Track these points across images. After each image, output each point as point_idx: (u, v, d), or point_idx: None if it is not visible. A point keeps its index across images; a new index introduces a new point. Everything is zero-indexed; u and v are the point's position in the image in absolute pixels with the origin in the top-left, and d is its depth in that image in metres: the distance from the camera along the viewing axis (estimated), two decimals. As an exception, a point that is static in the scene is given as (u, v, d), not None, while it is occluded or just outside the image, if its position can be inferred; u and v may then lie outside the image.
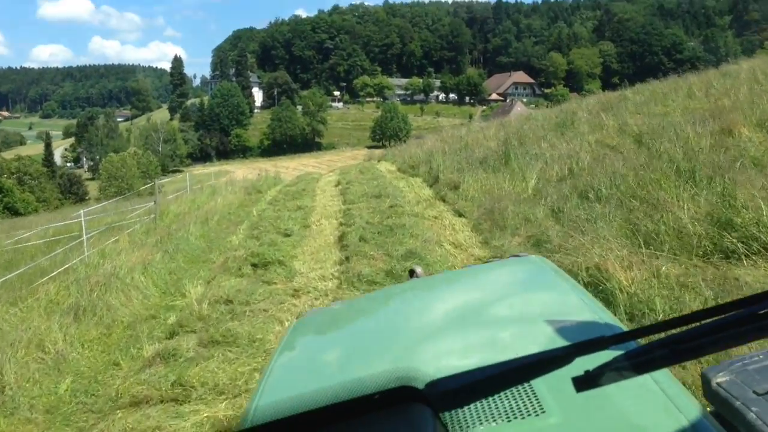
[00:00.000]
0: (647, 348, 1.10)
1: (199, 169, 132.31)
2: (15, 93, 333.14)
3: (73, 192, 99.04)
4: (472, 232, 10.36)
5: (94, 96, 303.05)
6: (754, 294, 1.05)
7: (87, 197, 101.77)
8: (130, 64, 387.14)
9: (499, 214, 9.91)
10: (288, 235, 12.56)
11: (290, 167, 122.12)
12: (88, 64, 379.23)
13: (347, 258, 9.93)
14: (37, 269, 12.71)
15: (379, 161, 30.59)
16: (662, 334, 1.10)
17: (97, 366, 7.72)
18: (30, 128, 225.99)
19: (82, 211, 15.20)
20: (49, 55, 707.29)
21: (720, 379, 1.60)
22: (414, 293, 2.80)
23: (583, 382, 1.11)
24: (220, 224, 15.90)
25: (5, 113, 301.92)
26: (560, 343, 1.51)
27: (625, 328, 1.78)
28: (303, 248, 11.69)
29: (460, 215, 11.71)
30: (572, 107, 21.94)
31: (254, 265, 10.39)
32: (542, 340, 1.79)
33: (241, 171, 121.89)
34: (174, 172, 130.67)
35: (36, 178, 66.01)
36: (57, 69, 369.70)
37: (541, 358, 1.14)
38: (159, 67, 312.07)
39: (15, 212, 56.24)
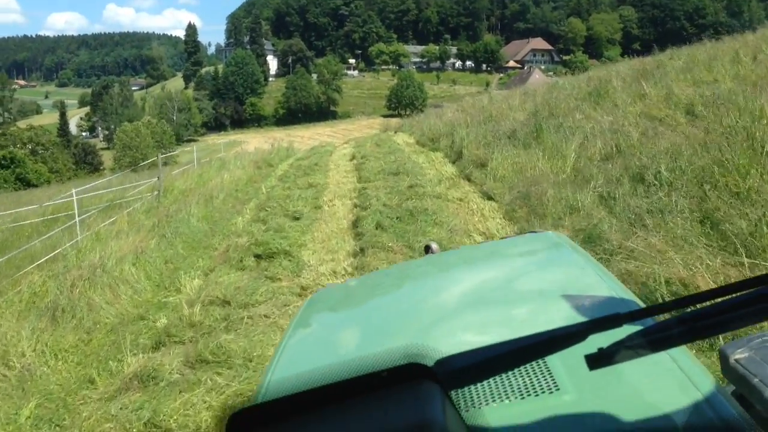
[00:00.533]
0: (663, 325, 1.09)
1: (213, 139, 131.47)
2: (31, 62, 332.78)
3: (87, 162, 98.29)
4: (505, 219, 9.07)
5: (110, 64, 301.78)
6: None
7: (102, 167, 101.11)
8: (145, 31, 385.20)
9: (536, 200, 8.58)
10: (297, 219, 11.34)
11: (305, 137, 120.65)
12: (103, 32, 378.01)
13: (362, 250, 8.68)
14: (27, 254, 11.61)
15: (395, 132, 29.17)
16: (679, 312, 1.09)
17: (70, 384, 6.56)
18: (46, 97, 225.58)
19: (73, 190, 13.95)
20: (64, 22, 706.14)
21: (738, 355, 1.52)
22: (429, 269, 2.74)
23: (596, 360, 1.10)
24: (225, 203, 14.68)
25: (22, 82, 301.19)
26: (577, 319, 1.52)
27: (641, 304, 1.79)
28: (313, 234, 10.47)
29: (490, 198, 10.41)
30: (603, 74, 20.32)
31: (258, 256, 9.17)
32: (559, 316, 1.76)
33: (255, 140, 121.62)
34: (189, 141, 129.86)
35: (49, 148, 65.03)
36: (72, 37, 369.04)
37: (554, 335, 1.13)
38: (174, 34, 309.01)
39: (28, 183, 55.41)
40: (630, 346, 1.08)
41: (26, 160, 56.23)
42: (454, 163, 13.90)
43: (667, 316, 1.14)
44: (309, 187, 14.58)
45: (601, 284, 1.99)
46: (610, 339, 1.11)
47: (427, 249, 3.64)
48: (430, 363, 1.14)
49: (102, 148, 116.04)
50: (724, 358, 1.54)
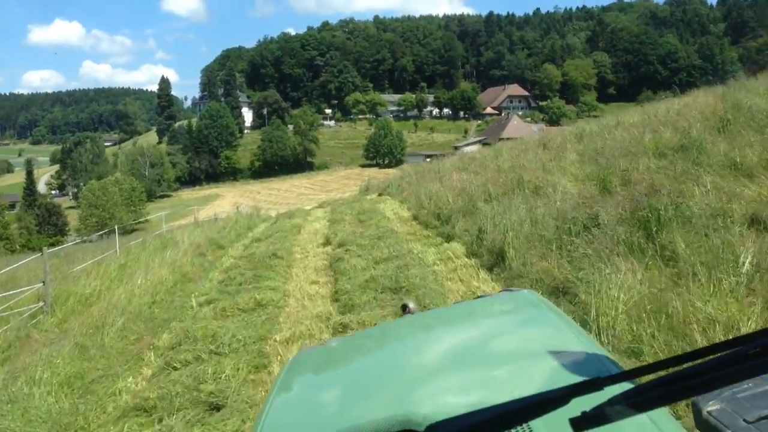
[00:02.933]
0: (643, 388, 1.11)
1: (188, 194, 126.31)
2: (4, 120, 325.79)
3: (51, 223, 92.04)
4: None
5: (84, 120, 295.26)
6: (746, 333, 1.03)
7: (67, 228, 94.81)
8: (121, 87, 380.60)
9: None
10: (217, 408, 5.80)
11: (281, 189, 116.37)
12: (78, 89, 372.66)
13: None
14: None
15: (380, 195, 23.83)
16: (656, 375, 1.11)
17: None
18: (19, 155, 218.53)
19: None
20: (40, 80, 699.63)
21: (710, 408, 1.61)
22: (409, 330, 2.69)
23: (580, 423, 1.11)
24: (119, 340, 9.04)
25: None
26: (557, 380, 1.54)
27: (620, 365, 1.82)
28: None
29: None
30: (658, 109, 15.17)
31: None
32: (539, 377, 1.79)
33: (230, 194, 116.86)
34: (161, 197, 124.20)
35: (-1, 212, 59.01)
36: (47, 94, 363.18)
37: (539, 399, 1.15)
38: (150, 89, 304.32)
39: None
40: (612, 408, 1.10)
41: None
42: (491, 270, 8.27)
43: (648, 377, 1.16)
44: (256, 308, 9.04)
45: (578, 343, 1.99)
46: (592, 402, 1.13)
47: (405, 308, 3.64)
48: (421, 429, 1.17)
49: (69, 207, 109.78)
50: (696, 410, 1.62)
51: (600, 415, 1.10)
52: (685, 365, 1.07)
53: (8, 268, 14.42)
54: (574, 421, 1.11)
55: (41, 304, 11.63)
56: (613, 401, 1.10)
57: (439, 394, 1.76)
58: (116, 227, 19.58)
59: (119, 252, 16.51)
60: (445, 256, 9.58)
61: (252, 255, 13.62)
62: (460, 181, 15.45)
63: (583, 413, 1.11)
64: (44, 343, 9.73)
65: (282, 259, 12.72)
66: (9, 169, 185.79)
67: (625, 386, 1.22)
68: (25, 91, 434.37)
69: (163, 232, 21.06)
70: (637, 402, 1.08)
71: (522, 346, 2.14)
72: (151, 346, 8.57)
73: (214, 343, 7.55)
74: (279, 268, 11.76)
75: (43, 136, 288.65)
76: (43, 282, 11.78)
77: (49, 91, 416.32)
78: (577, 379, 1.50)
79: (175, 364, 7.23)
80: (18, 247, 56.95)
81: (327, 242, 13.85)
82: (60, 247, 25.40)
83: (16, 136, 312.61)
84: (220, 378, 6.44)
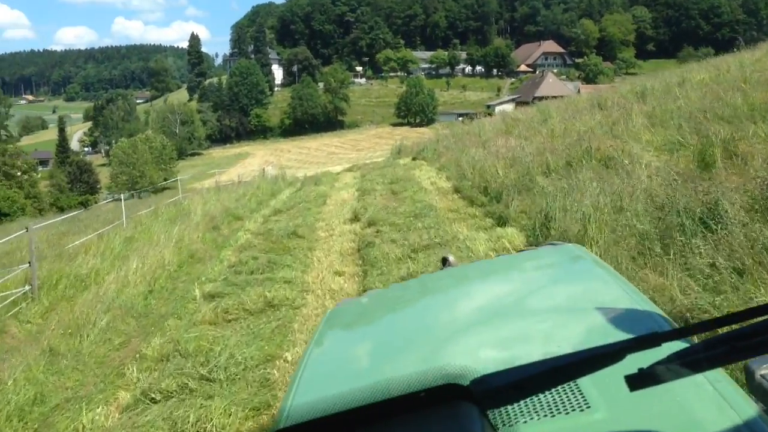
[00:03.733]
0: (705, 345, 1.06)
1: (218, 152, 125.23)
2: (39, 76, 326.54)
3: (83, 180, 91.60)
4: None
5: (117, 77, 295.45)
6: None
7: (98, 186, 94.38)
8: (153, 44, 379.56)
9: None
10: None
11: (312, 148, 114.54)
12: (110, 45, 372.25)
13: None
14: None
15: (414, 159, 21.85)
16: (717, 332, 1.08)
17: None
18: (54, 112, 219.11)
19: None
20: (74, 37, 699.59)
21: (764, 371, 1.54)
22: (448, 283, 2.61)
23: (637, 381, 1.07)
24: (101, 344, 7.38)
25: (30, 97, 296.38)
26: (604, 335, 1.50)
27: (672, 321, 1.75)
28: None
29: None
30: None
31: None
32: (586, 333, 1.72)
33: (261, 152, 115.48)
34: (192, 155, 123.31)
35: (26, 171, 57.85)
36: (79, 51, 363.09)
37: (591, 354, 1.12)
38: (182, 46, 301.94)
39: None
40: (671, 366, 1.06)
41: (-5, 187, 49.27)
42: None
43: (704, 335, 1.12)
44: (265, 309, 7.30)
45: (626, 298, 1.89)
46: (647, 359, 1.09)
47: (445, 261, 3.50)
48: (465, 383, 1.16)
49: (101, 164, 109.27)
50: (749, 373, 1.57)
51: (658, 373, 1.06)
52: (749, 322, 1.03)
53: (8, 238, 12.91)
54: (630, 379, 1.07)
55: (27, 287, 10.04)
56: (671, 358, 1.07)
57: (478, 349, 1.71)
58: (122, 196, 17.72)
59: (126, 223, 14.87)
60: (500, 245, 7.60)
61: (270, 232, 11.89)
62: (508, 147, 13.44)
63: (640, 370, 1.07)
64: (22, 339, 8.17)
65: (303, 238, 10.97)
66: (43, 125, 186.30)
67: (681, 345, 1.16)
68: (58, 48, 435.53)
69: (180, 199, 19.39)
70: (699, 360, 1.04)
71: (567, 300, 2.03)
72: (137, 356, 6.90)
73: (207, 364, 5.81)
74: (298, 251, 10.01)
75: (76, 92, 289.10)
76: (29, 263, 10.16)
77: (82, 47, 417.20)
78: (627, 335, 1.40)
79: (153, 395, 5.52)
80: (47, 206, 55.98)
81: (355, 218, 12.01)
82: (71, 214, 23.89)
83: (50, 93, 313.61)
84: (204, 430, 4.70)
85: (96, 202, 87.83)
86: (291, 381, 1.88)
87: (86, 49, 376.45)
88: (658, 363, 1.07)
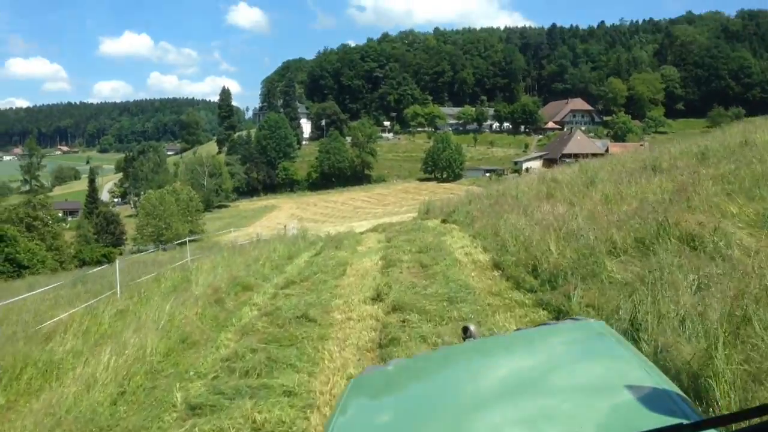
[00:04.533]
0: None
1: (245, 204, 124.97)
2: (74, 128, 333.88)
3: (109, 232, 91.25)
4: None
5: (150, 130, 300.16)
6: None
7: (124, 237, 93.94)
8: (185, 97, 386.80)
9: None
10: None
11: (338, 201, 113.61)
12: (145, 99, 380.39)
13: None
14: None
15: (443, 222, 20.08)
16: (743, 424, 1.06)
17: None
18: (87, 162, 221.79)
19: None
20: (110, 90, 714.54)
21: None
22: (471, 356, 2.62)
23: None
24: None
25: (65, 148, 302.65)
26: (625, 418, 1.51)
27: (693, 404, 1.77)
28: None
29: None
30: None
31: None
32: (608, 413, 1.71)
33: (287, 206, 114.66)
34: (219, 207, 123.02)
35: (47, 222, 57.04)
36: (114, 104, 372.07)
37: None
38: (213, 100, 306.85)
39: (19, 265, 47.42)
40: None
41: (18, 238, 48.15)
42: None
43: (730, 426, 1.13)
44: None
45: (648, 379, 1.87)
46: None
47: (466, 330, 3.52)
48: None
49: (129, 216, 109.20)
50: None
51: None
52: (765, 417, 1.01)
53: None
54: None
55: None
56: None
57: (502, 426, 1.71)
58: (116, 260, 15.99)
59: (120, 292, 13.15)
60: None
61: (278, 311, 10.08)
62: (555, 215, 11.60)
63: None
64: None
65: (315, 322, 9.14)
66: (76, 176, 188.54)
67: None
68: (95, 101, 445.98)
69: (188, 263, 17.73)
70: None
71: (590, 379, 2.01)
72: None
73: None
74: (307, 343, 8.17)
75: (110, 144, 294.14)
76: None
77: (118, 100, 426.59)
78: (650, 416, 1.47)
79: None
80: (68, 258, 54.92)
81: (378, 297, 10.16)
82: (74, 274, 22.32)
83: (85, 144, 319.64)
84: None
85: (120, 254, 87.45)
86: None
87: (121, 102, 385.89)
88: None
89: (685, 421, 1.12)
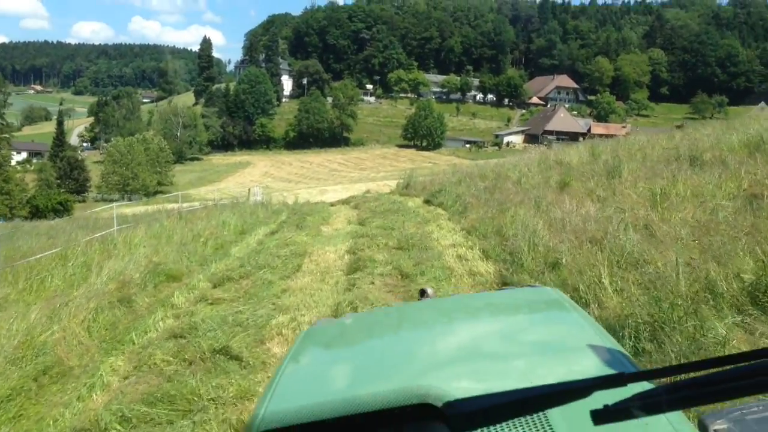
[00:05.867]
0: (668, 388, 1.09)
1: (219, 159, 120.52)
2: (49, 67, 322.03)
3: (72, 177, 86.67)
4: None
5: (128, 75, 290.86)
6: None
7: (88, 185, 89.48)
8: (167, 45, 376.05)
9: None
10: None
11: (314, 162, 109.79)
12: (124, 43, 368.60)
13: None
14: None
15: (426, 202, 16.99)
16: (680, 377, 1.10)
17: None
18: (61, 104, 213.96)
19: None
20: (90, 32, 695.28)
21: (718, 426, 1.54)
22: (428, 313, 2.60)
23: (601, 416, 1.10)
24: None
25: (38, 87, 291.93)
26: (575, 376, 1.49)
27: (638, 365, 1.82)
28: None
29: None
30: None
31: None
32: (558, 371, 1.74)
33: (262, 163, 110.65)
34: (192, 160, 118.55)
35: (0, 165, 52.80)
36: (93, 46, 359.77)
37: (561, 388, 1.15)
38: (196, 50, 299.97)
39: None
40: (635, 405, 1.09)
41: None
42: None
43: (669, 380, 1.15)
44: None
45: (600, 342, 1.91)
46: (612, 397, 1.12)
47: (423, 293, 3.51)
48: (439, 404, 1.20)
49: (97, 161, 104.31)
50: (702, 428, 1.58)
51: (621, 411, 1.09)
52: (710, 370, 1.07)
53: None
54: (595, 414, 1.10)
55: None
56: (635, 398, 1.10)
57: (453, 380, 1.71)
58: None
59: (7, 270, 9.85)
60: None
61: (194, 332, 6.94)
62: (584, 215, 8.52)
63: (606, 407, 1.10)
64: None
65: (238, 362, 6.05)
66: (47, 116, 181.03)
67: (646, 386, 1.22)
68: (73, 41, 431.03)
69: (114, 233, 14.41)
70: (662, 401, 1.07)
71: (542, 339, 2.06)
72: None
73: None
74: (210, 409, 5.06)
75: (85, 87, 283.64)
76: None
77: (97, 42, 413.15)
78: (594, 372, 1.50)
79: None
80: (18, 204, 50.85)
81: (337, 311, 7.10)
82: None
83: (60, 85, 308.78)
84: None
85: (84, 201, 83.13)
86: (264, 392, 1.87)
87: (101, 44, 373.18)
88: (624, 401, 1.10)
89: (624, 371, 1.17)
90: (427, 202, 16.84)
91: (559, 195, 10.87)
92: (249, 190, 29.77)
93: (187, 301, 8.89)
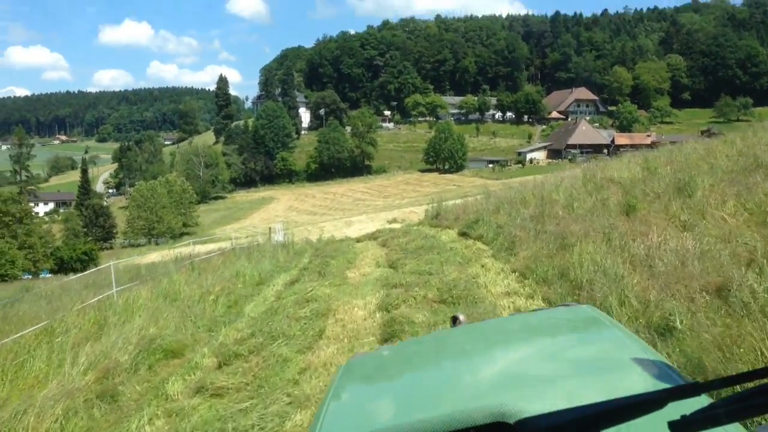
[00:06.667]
0: (744, 395, 1.07)
1: (242, 196, 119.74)
2: (73, 117, 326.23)
3: (98, 225, 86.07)
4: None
5: (149, 119, 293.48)
6: None
7: (114, 231, 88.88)
8: (185, 86, 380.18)
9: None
10: None
11: (338, 193, 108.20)
12: (144, 87, 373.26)
13: None
14: None
15: (463, 235, 15.10)
16: (752, 384, 1.08)
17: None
18: (86, 152, 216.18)
19: None
20: (110, 79, 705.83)
21: None
22: (464, 340, 2.54)
23: (680, 427, 1.08)
24: None
25: (63, 137, 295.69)
26: (626, 392, 1.47)
27: (685, 377, 1.77)
28: None
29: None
30: None
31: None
32: (605, 388, 1.66)
33: (286, 198, 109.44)
34: (215, 198, 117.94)
35: (22, 219, 51.77)
36: (113, 93, 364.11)
37: (636, 400, 1.13)
38: (213, 89, 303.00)
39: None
40: (712, 414, 1.07)
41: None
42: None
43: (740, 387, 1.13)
44: None
45: (644, 357, 1.85)
46: (684, 409, 1.11)
47: (455, 320, 3.39)
48: (510, 422, 1.19)
49: (122, 207, 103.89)
50: None
51: (700, 420, 1.06)
52: None
53: None
54: (673, 425, 1.07)
55: None
56: (714, 406, 1.08)
57: (499, 406, 1.65)
58: None
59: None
60: None
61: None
62: (678, 252, 6.59)
63: (683, 417, 1.07)
64: None
65: None
66: (73, 165, 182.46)
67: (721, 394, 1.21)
68: (94, 90, 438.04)
69: (114, 295, 12.66)
70: (737, 409, 1.05)
71: (586, 358, 2.00)
72: None
73: None
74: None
75: (108, 133, 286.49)
76: None
77: (117, 89, 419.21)
78: (643, 387, 1.51)
79: None
80: (41, 257, 49.77)
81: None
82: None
83: (84, 134, 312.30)
84: None
85: (111, 248, 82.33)
86: (312, 426, 1.81)
87: (121, 90, 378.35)
88: (702, 410, 1.08)
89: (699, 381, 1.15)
90: (464, 234, 14.93)
91: (628, 223, 8.93)
92: (270, 228, 28.03)
93: (185, 390, 7.08)
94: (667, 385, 1.39)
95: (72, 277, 22.25)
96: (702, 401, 1.09)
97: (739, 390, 1.14)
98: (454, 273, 9.94)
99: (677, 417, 1.07)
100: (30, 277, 46.71)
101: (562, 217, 11.04)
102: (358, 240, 21.78)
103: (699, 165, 12.81)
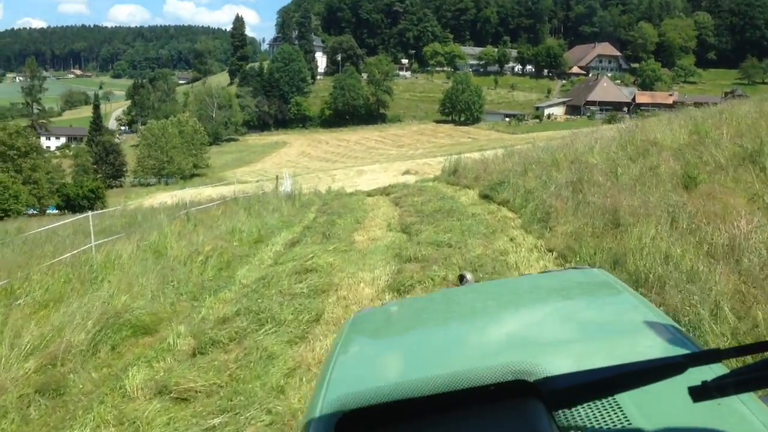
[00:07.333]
0: (763, 365, 1.07)
1: (255, 139, 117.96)
2: (88, 51, 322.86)
3: (109, 162, 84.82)
4: None
5: (164, 57, 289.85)
6: None
7: (125, 169, 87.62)
8: (201, 25, 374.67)
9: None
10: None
11: (350, 141, 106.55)
12: (160, 24, 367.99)
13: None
14: None
15: (485, 198, 13.55)
16: (749, 359, 1.13)
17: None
18: (101, 87, 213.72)
19: None
20: (126, 14, 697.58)
21: None
22: (474, 298, 2.49)
23: (701, 393, 1.08)
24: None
25: (78, 71, 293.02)
26: (639, 357, 1.45)
27: (697, 342, 1.76)
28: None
29: None
30: None
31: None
32: (619, 353, 1.63)
33: (299, 142, 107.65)
34: (228, 141, 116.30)
35: (28, 152, 50.31)
36: (129, 28, 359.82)
37: (656, 365, 1.13)
38: (230, 29, 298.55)
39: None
40: (733, 381, 1.07)
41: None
42: None
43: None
44: None
45: (659, 323, 1.81)
46: (704, 374, 1.11)
47: (462, 278, 3.42)
48: (531, 380, 1.19)
49: (134, 145, 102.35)
50: None
51: (721, 387, 1.06)
52: None
53: None
54: (694, 390, 1.07)
55: None
56: (735, 373, 1.07)
57: (506, 364, 1.59)
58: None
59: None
60: None
61: None
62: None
63: (704, 383, 1.07)
64: None
65: None
66: (87, 101, 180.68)
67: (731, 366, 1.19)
68: (110, 24, 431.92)
69: (92, 251, 11.27)
70: (759, 377, 1.04)
71: (599, 321, 1.98)
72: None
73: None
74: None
75: (123, 70, 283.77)
76: None
77: (133, 25, 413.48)
78: (655, 352, 1.49)
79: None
80: (46, 193, 48.53)
81: None
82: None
83: (99, 69, 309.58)
84: None
85: (121, 186, 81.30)
86: (318, 382, 1.77)
87: (137, 26, 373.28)
88: (723, 377, 1.07)
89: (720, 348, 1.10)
90: (486, 197, 13.35)
91: (692, 199, 7.38)
92: (277, 177, 26.54)
93: (147, 384, 5.71)
94: (681, 351, 1.39)
95: (69, 219, 20.79)
96: (716, 370, 1.09)
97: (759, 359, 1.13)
98: (479, 248, 8.43)
99: (693, 383, 1.07)
100: (36, 212, 45.76)
101: (605, 185, 9.48)
102: (369, 194, 20.31)
103: (754, 127, 11.15)
